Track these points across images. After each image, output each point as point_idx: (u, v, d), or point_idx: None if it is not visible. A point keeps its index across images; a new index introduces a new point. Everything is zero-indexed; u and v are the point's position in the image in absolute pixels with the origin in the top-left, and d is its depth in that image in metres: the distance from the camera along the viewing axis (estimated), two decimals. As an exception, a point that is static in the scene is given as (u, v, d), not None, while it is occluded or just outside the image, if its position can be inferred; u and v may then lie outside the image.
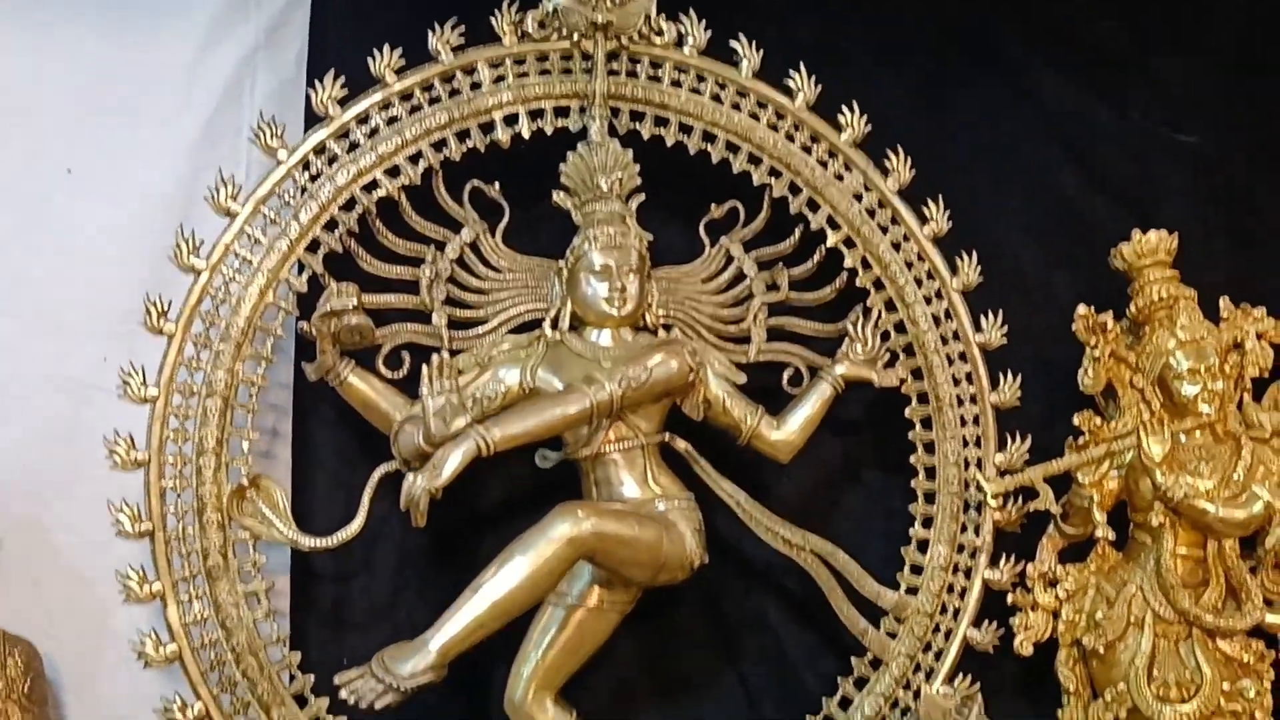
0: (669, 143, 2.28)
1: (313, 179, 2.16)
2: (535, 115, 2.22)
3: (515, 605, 1.88)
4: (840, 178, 2.31)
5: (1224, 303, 2.31)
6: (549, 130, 2.24)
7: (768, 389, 2.34)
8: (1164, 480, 2.18)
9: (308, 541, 2.10)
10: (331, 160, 2.18)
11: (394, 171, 2.19)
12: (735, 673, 2.46)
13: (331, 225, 2.17)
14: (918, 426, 2.34)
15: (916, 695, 2.23)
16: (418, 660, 1.82)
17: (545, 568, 1.87)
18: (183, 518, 2.09)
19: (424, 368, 2.01)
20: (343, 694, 1.85)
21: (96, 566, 2.25)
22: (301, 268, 2.18)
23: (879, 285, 2.32)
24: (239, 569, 2.11)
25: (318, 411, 2.36)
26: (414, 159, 2.19)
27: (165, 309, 2.10)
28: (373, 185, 2.18)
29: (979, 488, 2.28)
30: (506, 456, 2.31)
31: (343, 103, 2.17)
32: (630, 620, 2.27)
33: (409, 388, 2.19)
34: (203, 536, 2.08)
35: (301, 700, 2.13)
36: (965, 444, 2.32)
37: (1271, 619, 2.22)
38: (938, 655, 2.29)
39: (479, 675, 2.33)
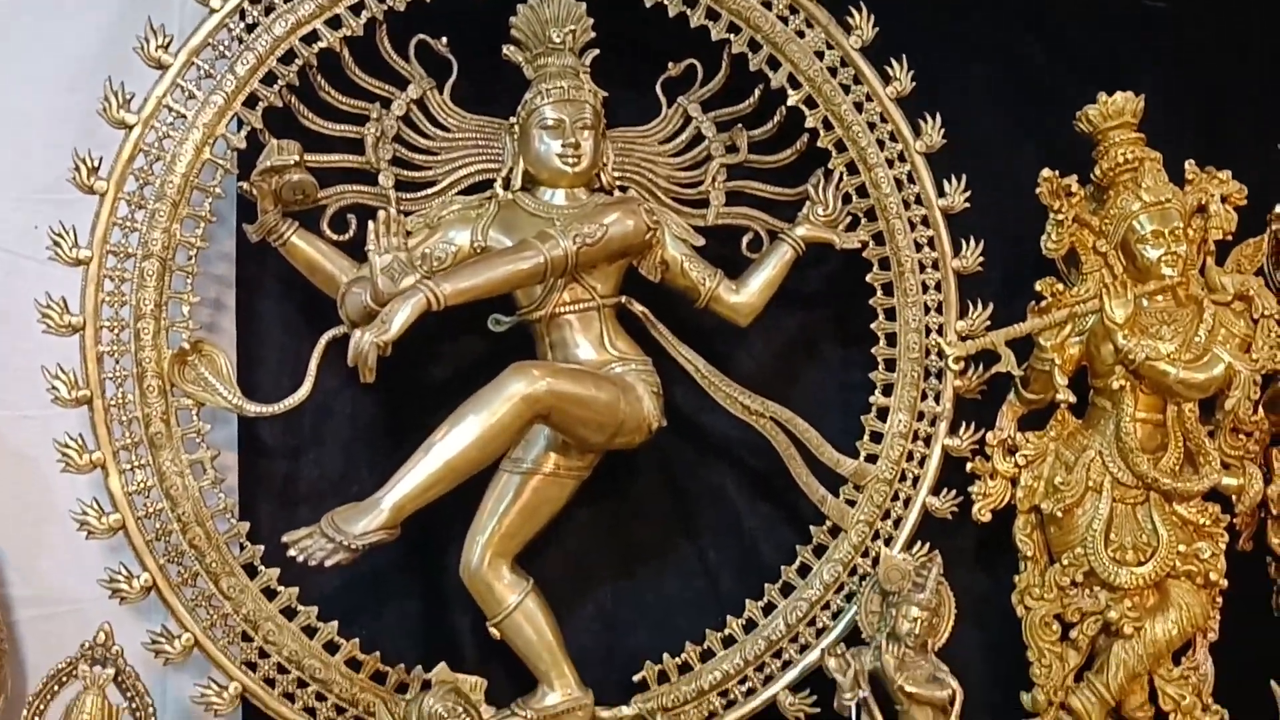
0: (623, -5, 2.19)
1: (249, 29, 2.06)
2: (483, -37, 2.12)
3: (468, 464, 1.83)
4: (801, 34, 2.24)
5: (1189, 166, 2.28)
6: (498, -19, 2.14)
7: (725, 257, 2.29)
8: (1126, 343, 2.17)
9: (253, 408, 2.04)
10: (269, 9, 2.07)
11: (335, 22, 2.08)
12: (693, 545, 2.45)
13: (270, 79, 2.06)
14: (879, 293, 2.31)
15: (875, 562, 2.22)
16: (370, 519, 1.78)
17: (499, 426, 1.82)
18: (122, 384, 2.01)
19: (370, 224, 1.93)
20: (291, 552, 1.80)
21: (34, 442, 2.18)
22: (240, 124, 2.08)
23: (840, 147, 2.26)
24: (182, 437, 2.04)
25: (262, 283, 2.28)
26: (355, 9, 2.08)
27: (96, 166, 2.00)
28: (313, 37, 2.07)
29: (940, 353, 2.26)
30: (458, 326, 2.27)
31: (278, -55, 2.06)
32: (588, 494, 2.24)
33: (355, 252, 2.12)
34: (143, 403, 2.01)
35: (251, 570, 2.08)
36: (926, 310, 2.29)
37: (1228, 481, 2.23)
38: (896, 523, 2.29)
39: (433, 547, 2.31)
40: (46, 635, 2.16)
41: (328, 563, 1.77)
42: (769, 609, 2.29)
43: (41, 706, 1.67)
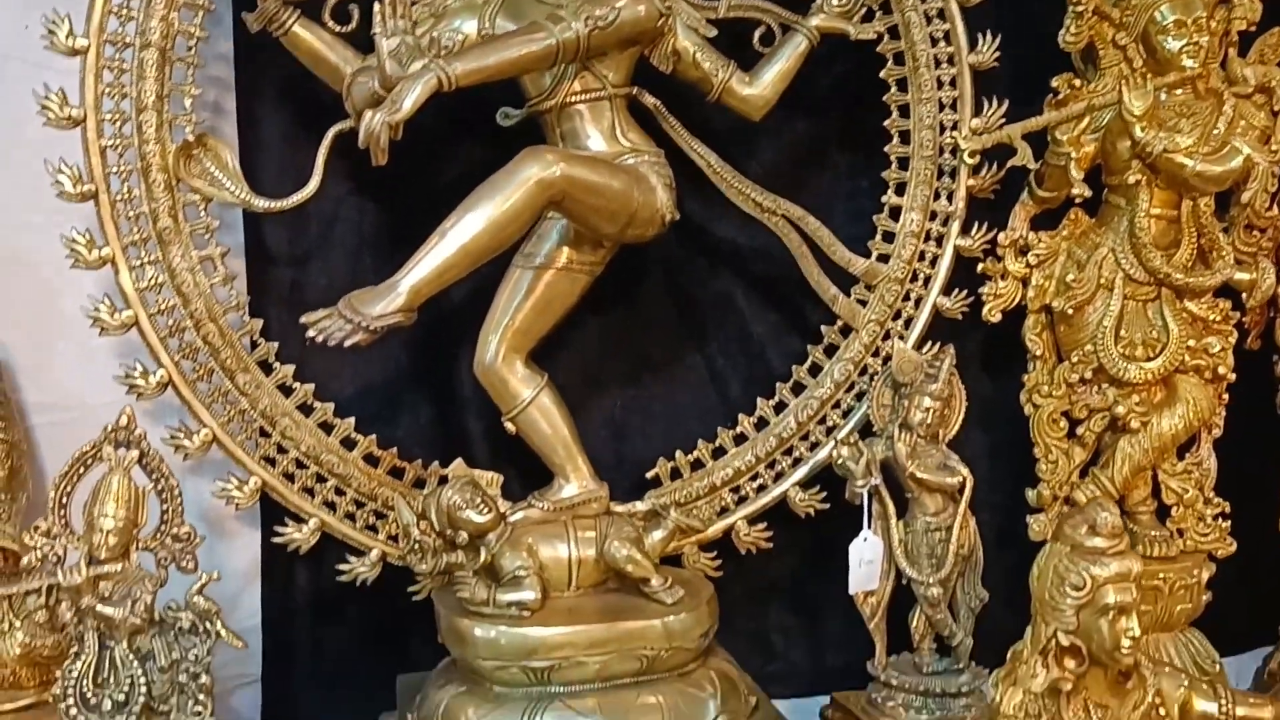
0: None
1: None
2: None
3: (482, 249, 1.81)
4: None
5: (1213, -47, 2.22)
6: None
7: (736, 53, 2.23)
8: (1143, 135, 2.13)
9: (261, 203, 2.01)
10: None
11: None
12: (701, 354, 2.46)
13: None
14: (893, 89, 2.27)
15: (885, 361, 2.24)
16: (388, 301, 1.77)
17: (513, 210, 1.80)
18: (127, 179, 1.98)
19: (376, 6, 1.87)
20: (310, 332, 1.80)
21: (36, 249, 2.16)
22: (235, -95, 2.01)
23: (856, -63, 2.20)
24: (191, 233, 2.02)
25: (261, 85, 2.22)
26: None
27: (88, -48, 1.93)
28: None
29: (954, 149, 2.23)
30: (465, 128, 2.23)
31: None
32: (597, 303, 2.23)
33: (359, 44, 2.06)
34: (150, 198, 1.98)
35: (266, 367, 2.09)
36: (941, 107, 2.25)
37: (1240, 276, 2.23)
38: (907, 323, 2.29)
39: (443, 352, 2.32)
40: (60, 440, 2.16)
41: (346, 343, 1.77)
42: (780, 408, 2.31)
43: (68, 488, 1.68)
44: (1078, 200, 2.22)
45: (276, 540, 2.09)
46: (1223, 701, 1.63)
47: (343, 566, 2.11)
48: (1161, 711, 1.59)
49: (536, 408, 2.06)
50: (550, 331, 2.10)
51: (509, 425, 2.08)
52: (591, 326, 2.35)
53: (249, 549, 2.23)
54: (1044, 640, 1.51)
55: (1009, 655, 1.58)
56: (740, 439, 2.30)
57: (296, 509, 2.09)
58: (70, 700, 1.61)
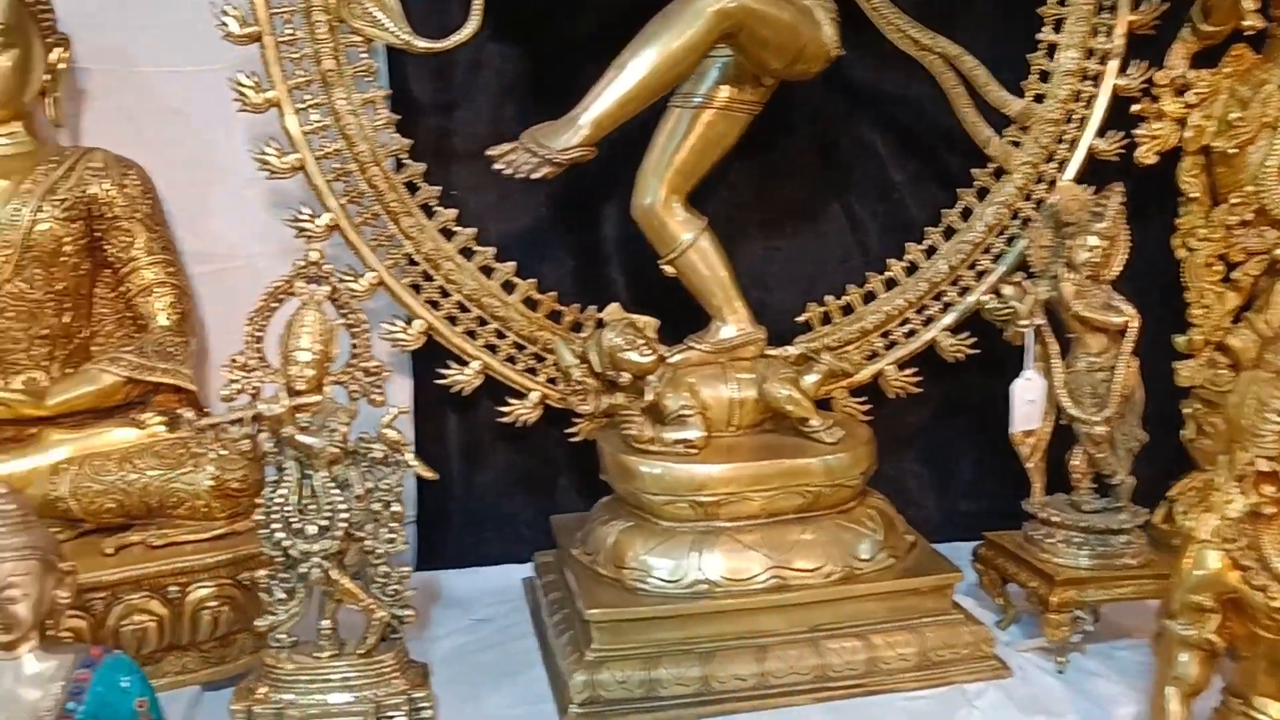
0: None
1: None
2: None
3: (660, 81, 1.80)
4: None
5: None
6: None
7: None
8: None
9: (422, 43, 2.00)
10: None
11: None
12: (840, 201, 2.44)
13: None
14: (1054, -80, 2.19)
15: (1039, 205, 2.21)
16: (570, 134, 1.77)
17: (690, 42, 1.78)
18: (289, 21, 1.98)
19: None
20: (497, 165, 1.80)
21: (190, 99, 2.18)
22: None
23: None
24: (353, 75, 2.02)
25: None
26: None
27: None
28: None
29: (1117, -19, 2.16)
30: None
31: None
32: (742, 151, 2.21)
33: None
34: (313, 40, 1.98)
35: (428, 210, 2.10)
36: (1102, -63, 2.18)
37: None
38: (1061, 165, 2.26)
39: (585, 205, 2.32)
40: (220, 290, 2.22)
41: (534, 175, 1.78)
42: (930, 253, 2.30)
43: (262, 323, 1.72)
44: (1247, 33, 2.15)
45: (440, 382, 2.14)
46: None
47: (504, 409, 2.15)
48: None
49: (696, 251, 2.06)
50: (709, 173, 2.09)
51: (667, 268, 2.08)
52: (736, 172, 2.34)
53: (402, 393, 2.27)
54: (1241, 466, 1.52)
55: (1178, 492, 1.57)
56: (890, 284, 2.29)
57: (460, 351, 2.13)
58: (276, 525, 1.67)
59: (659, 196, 2.04)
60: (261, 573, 1.76)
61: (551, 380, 2.16)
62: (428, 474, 1.75)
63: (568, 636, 1.95)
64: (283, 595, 1.76)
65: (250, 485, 1.93)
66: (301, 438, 1.67)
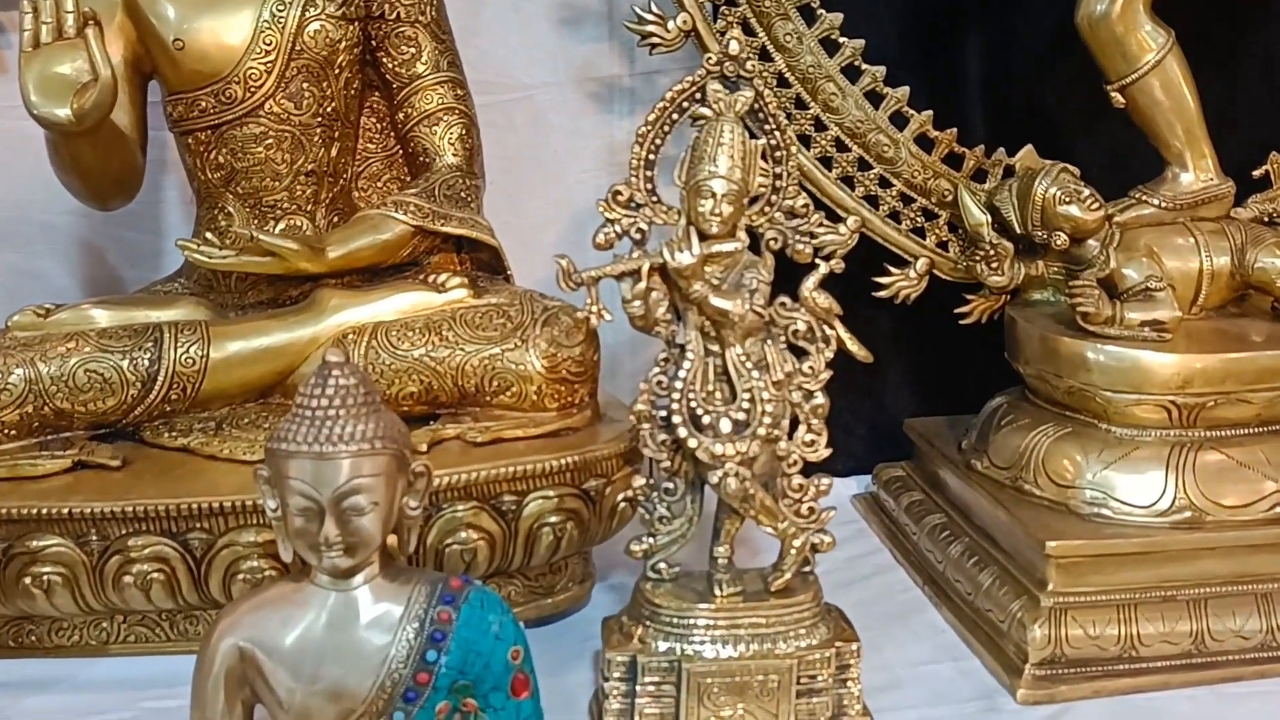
0: None
1: None
2: None
3: None
4: None
5: None
6: None
7: None
8: None
9: None
10: None
11: None
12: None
13: None
14: None
15: None
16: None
17: None
18: None
19: None
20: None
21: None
22: None
23: None
24: None
25: None
26: None
27: None
28: None
29: None
30: None
31: None
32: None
33: None
34: None
35: (809, 14, 1.61)
36: None
37: None
38: None
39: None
40: (492, 124, 1.76)
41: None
42: None
43: (656, 142, 1.25)
44: None
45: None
46: None
47: (883, 280, 1.66)
48: None
49: (1159, 74, 1.56)
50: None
51: (1116, 97, 1.58)
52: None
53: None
54: None
55: None
56: (1377, 128, 1.77)
57: (835, 204, 1.65)
58: (678, 419, 1.23)
59: (1119, 1, 1.53)
60: (638, 481, 1.32)
61: (943, 244, 1.68)
62: (862, 354, 1.30)
63: (991, 577, 1.50)
64: (665, 512, 1.32)
65: (588, 368, 1.48)
66: (717, 299, 1.22)
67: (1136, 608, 1.41)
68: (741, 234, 1.26)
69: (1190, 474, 1.45)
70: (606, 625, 1.34)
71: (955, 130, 1.68)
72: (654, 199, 1.27)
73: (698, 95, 1.25)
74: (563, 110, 1.87)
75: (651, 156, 1.26)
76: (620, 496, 1.41)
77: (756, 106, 1.25)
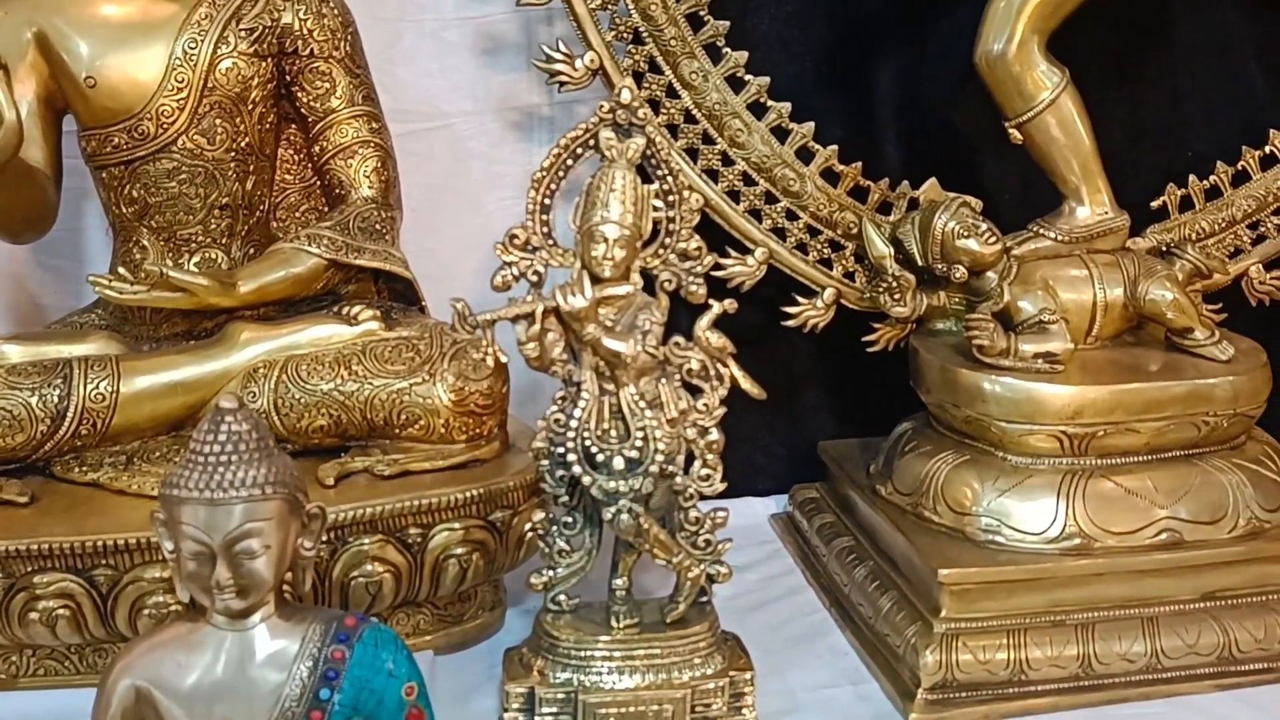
0: None
1: None
2: None
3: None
4: None
5: None
6: None
7: None
8: None
9: None
10: None
11: None
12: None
13: None
14: None
15: None
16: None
17: None
18: None
19: None
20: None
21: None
22: None
23: None
24: None
25: None
26: None
27: None
28: None
29: None
30: None
31: None
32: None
33: None
34: None
35: (714, 53, 1.64)
36: None
37: None
38: None
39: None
40: (410, 159, 1.78)
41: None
42: (1315, 125, 1.83)
43: (551, 187, 1.28)
44: None
45: (717, 274, 1.70)
46: None
47: (790, 309, 1.71)
48: None
49: (1054, 112, 1.60)
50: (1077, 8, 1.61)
51: (1014, 134, 1.63)
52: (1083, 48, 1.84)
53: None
54: None
55: None
56: (1270, 161, 1.82)
57: (741, 234, 1.69)
58: (573, 456, 1.26)
59: (1015, 40, 1.57)
60: (538, 516, 1.35)
61: (849, 274, 1.72)
62: (755, 391, 1.33)
63: (890, 601, 1.54)
64: (564, 546, 1.35)
65: (496, 400, 1.51)
66: (609, 341, 1.25)
67: (1026, 632, 1.45)
68: (635, 276, 1.29)
69: (1080, 501, 1.50)
70: (508, 656, 1.37)
71: (860, 164, 1.71)
72: (550, 242, 1.30)
73: (590, 142, 1.28)
74: (482, 138, 1.88)
75: (547, 200, 1.30)
76: (526, 528, 1.44)
77: (649, 153, 1.29)
